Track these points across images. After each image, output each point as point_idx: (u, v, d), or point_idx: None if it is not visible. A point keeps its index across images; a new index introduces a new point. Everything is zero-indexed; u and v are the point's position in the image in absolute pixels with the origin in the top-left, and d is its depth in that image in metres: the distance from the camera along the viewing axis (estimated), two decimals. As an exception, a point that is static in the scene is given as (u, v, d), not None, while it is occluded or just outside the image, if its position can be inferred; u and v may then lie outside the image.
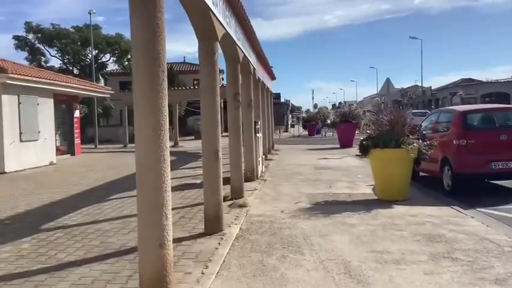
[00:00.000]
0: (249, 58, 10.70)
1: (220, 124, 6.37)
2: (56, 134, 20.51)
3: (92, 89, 21.04)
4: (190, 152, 22.54)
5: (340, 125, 22.50)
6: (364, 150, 8.54)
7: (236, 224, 6.67)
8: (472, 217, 6.88)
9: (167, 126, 3.83)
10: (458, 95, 39.16)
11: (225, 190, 9.66)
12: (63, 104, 20.52)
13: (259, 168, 12.10)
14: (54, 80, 16.70)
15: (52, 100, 17.83)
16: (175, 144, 27.16)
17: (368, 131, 8.92)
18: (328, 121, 38.01)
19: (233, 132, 8.94)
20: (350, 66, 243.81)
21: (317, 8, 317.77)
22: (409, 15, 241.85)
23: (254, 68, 12.08)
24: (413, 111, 24.03)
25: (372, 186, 9.99)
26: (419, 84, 79.64)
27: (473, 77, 58.99)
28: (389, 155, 8.19)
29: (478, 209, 7.62)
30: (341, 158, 17.48)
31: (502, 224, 6.53)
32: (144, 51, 3.65)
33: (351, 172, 12.81)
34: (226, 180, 9.29)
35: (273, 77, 21.92)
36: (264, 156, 13.63)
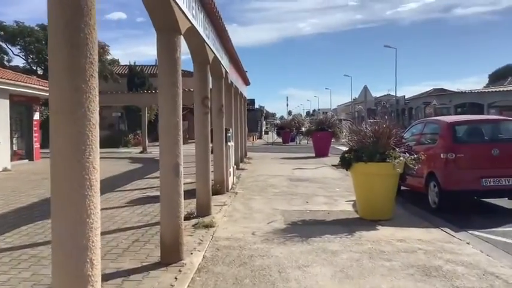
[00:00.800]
0: (220, 60, 9.77)
1: (182, 132, 5.40)
2: (13, 138, 19.10)
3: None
4: (158, 159, 21.36)
5: (316, 134, 21.77)
6: (346, 164, 7.70)
7: (199, 251, 5.69)
8: (467, 243, 6.10)
9: (97, 139, 2.83)
10: (432, 104, 39.14)
11: (189, 205, 8.71)
12: (22, 105, 19.10)
13: (230, 179, 11.15)
14: (10, 80, 15.34)
15: (7, 101, 16.45)
16: (144, 150, 25.94)
17: (349, 142, 8.08)
18: (303, 128, 37.53)
19: (200, 141, 7.97)
20: (324, 74, 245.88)
21: (292, 15, 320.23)
22: (382, 25, 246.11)
23: (226, 72, 11.15)
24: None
25: (352, 202, 9.20)
26: (392, 93, 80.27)
27: (445, 87, 59.75)
28: (374, 170, 7.38)
29: (470, 232, 6.87)
30: (317, 168, 16.70)
31: (503, 252, 5.77)
32: (64, 36, 2.65)
33: (329, 185, 11.99)
34: (192, 194, 8.33)
35: (247, 82, 21.04)
36: (235, 166, 12.69)
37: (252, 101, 45.75)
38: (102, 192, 9.58)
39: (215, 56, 8.74)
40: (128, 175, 14.64)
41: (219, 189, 10.19)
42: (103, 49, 32.58)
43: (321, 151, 21.56)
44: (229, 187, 10.92)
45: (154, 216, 7.99)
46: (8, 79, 15.30)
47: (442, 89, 59.15)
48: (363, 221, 7.52)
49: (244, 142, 20.75)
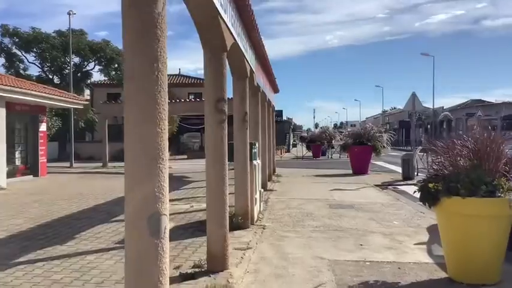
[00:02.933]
0: (243, 51, 7.39)
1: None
2: (15, 152, 17.20)
3: (61, 98, 17.72)
4: (176, 175, 19.12)
5: (354, 148, 19.12)
6: (430, 198, 5.13)
7: None
8: None
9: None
10: (477, 116, 35.85)
11: (197, 251, 6.31)
12: (25, 115, 17.20)
13: (256, 208, 8.69)
14: (5, 85, 13.37)
15: (3, 110, 14.51)
16: (162, 165, 23.73)
17: (434, 166, 5.54)
18: (334, 142, 34.86)
19: (213, 160, 5.55)
20: (352, 86, 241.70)
21: (318, 28, 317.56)
22: (410, 37, 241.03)
23: (252, 70, 8.77)
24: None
25: (425, 246, 6.63)
26: (425, 105, 76.69)
27: (482, 99, 56.01)
28: (478, 209, 4.80)
29: None
30: (359, 189, 14.07)
31: None
32: None
33: (381, 214, 9.39)
34: (202, 228, 5.98)
35: (276, 89, 18.65)
36: (262, 190, 10.21)
37: (280, 112, 43.41)
38: (93, 224, 7.04)
39: (235, 43, 6.35)
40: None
41: (241, 223, 7.75)
42: (122, 57, 30.87)
43: (360, 168, 18.89)
44: (255, 218, 8.47)
45: None
46: (2, 84, 13.33)
47: (480, 100, 55.50)
48: (457, 285, 4.94)
49: (273, 157, 18.30)
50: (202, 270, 5.38)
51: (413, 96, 16.35)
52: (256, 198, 8.59)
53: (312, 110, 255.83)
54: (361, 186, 14.66)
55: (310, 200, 11.37)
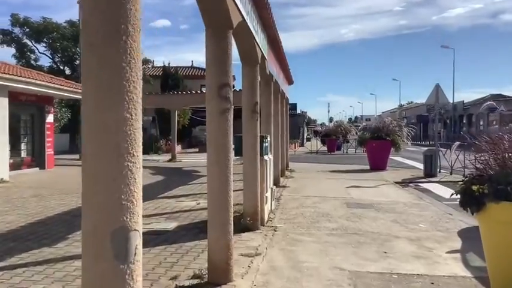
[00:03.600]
0: (253, 32, 6.57)
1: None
2: (21, 143, 16.70)
3: (68, 88, 17.12)
4: (186, 169, 18.46)
5: (371, 143, 18.21)
6: (474, 203, 4.29)
7: None
8: None
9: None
10: (499, 110, 34.50)
11: (199, 257, 5.59)
12: (31, 106, 16.66)
13: (267, 207, 7.94)
14: (5, 74, 12.79)
15: (6, 100, 13.95)
16: (172, 159, 23.12)
17: (478, 165, 4.70)
18: (349, 136, 33.90)
19: (217, 154, 4.78)
20: (367, 80, 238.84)
21: (333, 21, 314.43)
22: (427, 30, 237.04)
23: (263, 56, 7.98)
24: None
25: (458, 254, 5.82)
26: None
27: (503, 93, 54.23)
28: (534, 218, 3.97)
29: None
30: (377, 186, 13.22)
31: None
32: None
33: (405, 216, 8.56)
34: (203, 228, 5.24)
35: (290, 80, 17.81)
36: (274, 187, 9.44)
37: (294, 106, 42.49)
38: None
39: (244, 22, 5.56)
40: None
41: (250, 224, 7.00)
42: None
43: (378, 163, 17.99)
44: (265, 218, 7.70)
45: (167, 270, 4.95)
46: (3, 73, 12.75)
47: (500, 94, 53.73)
48: (504, 307, 4.12)
49: (286, 152, 17.49)
50: (202, 282, 4.65)
51: (437, 87, 15.38)
52: (267, 197, 7.83)
53: (326, 104, 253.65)
54: (380, 183, 13.80)
55: (325, 198, 10.57)
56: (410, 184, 14.15)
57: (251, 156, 7.17)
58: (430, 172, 15.30)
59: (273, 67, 10.12)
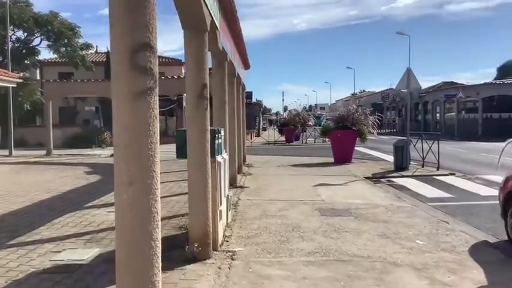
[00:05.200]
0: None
1: None
2: None
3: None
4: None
5: (336, 133, 16.63)
6: None
7: None
8: None
9: None
10: (458, 97, 34.05)
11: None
12: None
13: (222, 223, 6.03)
14: None
15: None
16: (116, 153, 20.65)
17: None
18: (310, 124, 32.47)
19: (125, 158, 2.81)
20: (320, 69, 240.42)
21: (285, 11, 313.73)
22: (377, 20, 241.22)
23: (213, 22, 6.00)
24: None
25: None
26: (394, 87, 75.24)
27: (454, 81, 54.70)
28: None
29: None
30: (348, 183, 11.62)
31: None
32: None
33: (392, 225, 6.92)
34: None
35: (246, 65, 15.85)
36: (230, 192, 7.51)
37: (250, 94, 40.59)
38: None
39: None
40: (63, 200, 9.45)
41: (198, 252, 5.08)
42: (73, 31, 27.29)
43: (343, 156, 16.47)
44: (219, 239, 5.80)
45: None
46: None
47: (452, 82, 54.16)
48: None
49: (243, 144, 15.62)
50: None
51: (408, 71, 13.95)
52: (221, 211, 5.91)
53: (280, 93, 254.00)
54: (350, 180, 12.21)
55: (292, 203, 8.78)
56: (382, 180, 12.67)
57: (198, 158, 5.23)
58: (401, 165, 13.89)
59: (227, 43, 8.15)
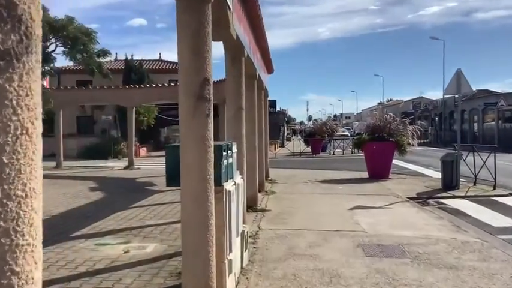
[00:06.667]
0: None
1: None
2: None
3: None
4: (140, 181, 14.67)
5: (371, 145, 14.72)
6: None
7: None
8: None
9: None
10: (499, 106, 31.51)
11: None
12: None
13: (231, 278, 4.28)
14: None
15: None
16: (129, 165, 19.24)
17: None
18: (337, 134, 30.56)
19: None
20: (346, 78, 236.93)
21: (310, 20, 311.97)
22: (403, 29, 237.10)
23: (228, 6, 4.30)
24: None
25: None
26: (425, 96, 72.26)
27: (489, 89, 51.84)
28: None
29: None
30: (389, 205, 9.76)
31: None
32: None
33: (468, 276, 5.05)
34: None
35: (270, 69, 14.20)
36: (245, 227, 5.74)
37: (273, 102, 38.98)
38: None
39: None
40: (48, 227, 7.87)
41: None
42: (89, 36, 26.15)
43: (379, 170, 14.55)
44: (229, 301, 4.04)
45: None
46: None
47: (487, 90, 51.33)
48: None
49: (266, 157, 13.91)
50: None
51: (459, 74, 11.97)
52: (231, 261, 4.17)
53: (304, 102, 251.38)
54: (391, 201, 10.31)
55: (326, 234, 6.98)
56: (430, 201, 10.71)
57: (196, 187, 3.53)
58: (450, 183, 11.89)
59: (243, 34, 6.46)
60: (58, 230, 7.48)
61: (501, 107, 31.83)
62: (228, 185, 4.14)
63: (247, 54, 6.99)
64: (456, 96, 34.11)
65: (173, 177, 3.82)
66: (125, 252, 6.04)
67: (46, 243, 5.63)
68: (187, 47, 3.58)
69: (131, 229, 7.49)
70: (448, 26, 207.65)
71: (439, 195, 11.27)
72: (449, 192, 11.50)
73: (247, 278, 4.97)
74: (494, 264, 5.49)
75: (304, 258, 5.73)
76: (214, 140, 3.76)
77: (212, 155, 3.66)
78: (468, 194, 11.28)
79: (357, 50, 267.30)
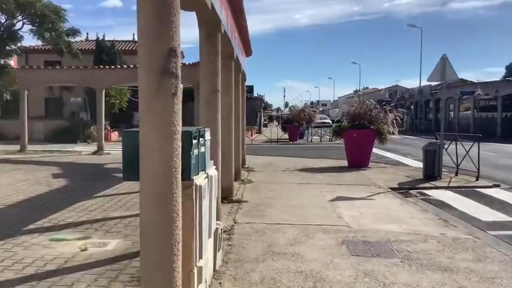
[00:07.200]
0: None
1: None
2: None
3: None
4: (108, 167, 13.85)
5: (352, 132, 14.24)
6: None
7: None
8: None
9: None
10: (476, 94, 31.55)
11: None
12: None
13: (203, 283, 3.64)
14: None
15: None
16: (98, 150, 18.31)
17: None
18: (318, 121, 30.13)
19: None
20: (323, 66, 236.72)
21: (287, 6, 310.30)
22: (379, 17, 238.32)
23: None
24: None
25: None
26: (400, 84, 72.49)
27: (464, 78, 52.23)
28: None
29: None
30: (371, 196, 9.31)
31: None
32: None
33: (465, 280, 4.56)
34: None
35: (248, 51, 13.46)
36: (219, 224, 5.10)
37: (251, 88, 38.21)
38: None
39: None
40: (2, 218, 7.09)
41: None
42: (58, 14, 24.75)
43: (359, 159, 14.12)
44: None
45: None
46: None
47: (462, 79, 51.73)
48: None
49: (243, 144, 13.28)
50: None
51: (444, 60, 11.49)
52: (200, 268, 3.53)
53: (281, 89, 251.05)
54: (373, 192, 9.86)
55: (308, 229, 6.43)
56: (412, 191, 10.30)
57: (159, 182, 2.87)
58: (432, 173, 11.51)
59: (221, 7, 5.75)
60: (10, 222, 6.73)
61: (478, 96, 31.93)
62: (199, 179, 3.49)
63: (224, 31, 6.29)
64: (432, 84, 33.90)
65: (131, 169, 3.15)
66: (82, 250, 5.35)
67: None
68: (149, 8, 2.88)
69: (92, 222, 6.78)
70: (423, 16, 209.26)
71: (421, 185, 10.87)
72: (431, 182, 11.12)
73: (220, 283, 4.36)
74: (491, 266, 5.03)
75: (284, 258, 5.15)
76: (190, 126, 3.09)
77: (179, 143, 2.99)
78: (451, 184, 10.91)
79: (335, 37, 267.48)
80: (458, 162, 12.08)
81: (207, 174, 3.86)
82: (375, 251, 5.51)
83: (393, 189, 10.39)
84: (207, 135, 3.90)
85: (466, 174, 12.00)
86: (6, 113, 27.73)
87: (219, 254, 4.78)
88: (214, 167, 4.38)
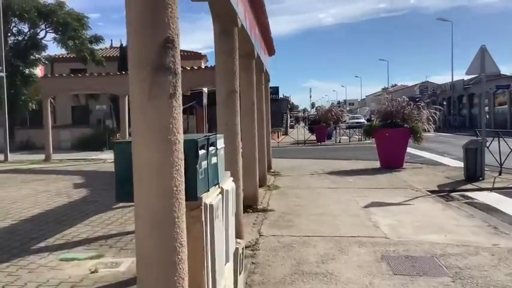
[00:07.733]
0: None
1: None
2: None
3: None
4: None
5: (383, 132, 13.44)
6: None
7: None
8: None
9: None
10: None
11: None
12: None
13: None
14: None
15: None
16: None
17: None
18: (343, 122, 29.26)
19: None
20: (349, 64, 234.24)
21: (311, 6, 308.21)
22: (406, 14, 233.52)
23: None
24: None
25: None
26: (430, 80, 70.37)
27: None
28: None
29: None
30: (408, 201, 8.54)
31: None
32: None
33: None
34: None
35: (271, 50, 12.87)
36: (240, 243, 4.50)
37: (276, 89, 37.56)
38: None
39: None
40: (11, 235, 6.68)
41: None
42: (80, 22, 24.81)
43: (392, 160, 13.30)
44: None
45: None
46: None
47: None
48: None
49: (268, 147, 12.67)
50: None
51: (483, 51, 10.60)
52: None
53: (307, 90, 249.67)
54: (410, 195, 9.09)
55: (341, 242, 5.76)
56: (454, 194, 9.46)
57: (156, 204, 2.29)
58: (474, 174, 10.63)
59: (244, 17, 5.16)
60: (20, 240, 6.31)
61: (513, 90, 30.38)
62: (210, 197, 2.90)
63: (242, 25, 5.70)
64: (465, 79, 32.35)
65: (124, 188, 2.58)
66: (91, 272, 4.84)
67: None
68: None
69: (108, 237, 6.30)
70: (451, 11, 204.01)
71: (463, 187, 10.02)
72: (473, 183, 10.25)
73: (242, 313, 3.76)
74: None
75: (316, 279, 4.52)
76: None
77: (181, 155, 2.41)
78: (496, 185, 10.02)
79: (361, 35, 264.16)
80: (502, 161, 11.15)
81: (222, 188, 3.27)
82: (420, 268, 4.81)
83: (432, 192, 9.59)
84: (220, 143, 3.31)
85: (511, 173, 11.08)
86: (34, 122, 27.97)
87: (241, 277, 4.18)
88: (232, 178, 3.78)
